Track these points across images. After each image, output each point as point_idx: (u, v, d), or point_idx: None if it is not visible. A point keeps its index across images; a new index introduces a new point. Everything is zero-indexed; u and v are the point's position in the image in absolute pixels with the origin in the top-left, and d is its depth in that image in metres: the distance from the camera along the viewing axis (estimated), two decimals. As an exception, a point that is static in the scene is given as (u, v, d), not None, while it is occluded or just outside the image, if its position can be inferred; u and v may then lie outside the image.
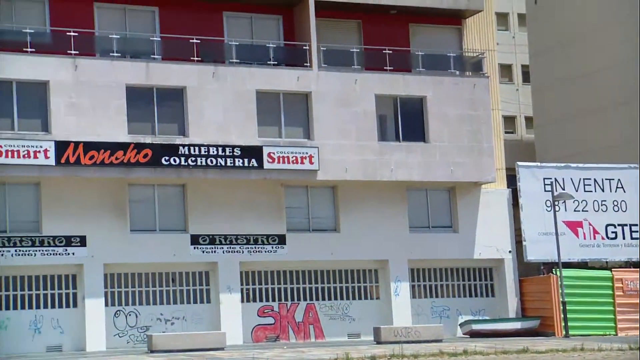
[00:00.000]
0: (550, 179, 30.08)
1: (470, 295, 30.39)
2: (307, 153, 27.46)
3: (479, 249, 29.93)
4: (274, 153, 27.29)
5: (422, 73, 30.37)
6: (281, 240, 28.18)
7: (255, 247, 27.97)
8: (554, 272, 29.76)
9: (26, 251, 25.23)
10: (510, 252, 30.54)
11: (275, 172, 27.68)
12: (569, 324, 29.19)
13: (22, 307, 25.76)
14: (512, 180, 30.93)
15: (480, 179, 29.09)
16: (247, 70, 27.88)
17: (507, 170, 31.11)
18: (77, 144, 24.97)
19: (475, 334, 28.32)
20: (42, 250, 25.45)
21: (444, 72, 30.81)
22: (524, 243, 29.92)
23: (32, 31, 25.97)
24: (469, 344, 22.87)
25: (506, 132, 41.66)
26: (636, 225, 31.54)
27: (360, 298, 29.50)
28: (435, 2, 30.69)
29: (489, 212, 30.15)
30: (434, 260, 30.35)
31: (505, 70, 46.67)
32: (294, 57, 29.48)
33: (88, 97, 25.55)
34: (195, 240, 27.28)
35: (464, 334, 28.86)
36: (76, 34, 25.95)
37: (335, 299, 29.26)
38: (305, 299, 28.90)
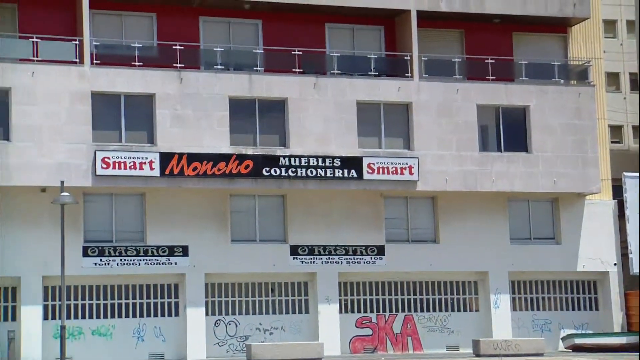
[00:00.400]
0: (658, 189, 29.25)
1: (573, 309, 29.35)
2: (407, 164, 26.87)
3: (582, 261, 28.94)
4: (373, 164, 26.81)
5: (525, 82, 29.38)
6: (380, 251, 27.65)
7: (354, 258, 27.49)
8: None
9: (131, 260, 25.40)
10: (615, 264, 29.43)
11: (374, 182, 27.19)
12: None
13: (127, 316, 25.91)
14: (617, 191, 29.77)
15: (585, 189, 28.11)
16: (348, 81, 27.44)
17: (612, 181, 29.99)
18: (181, 155, 24.95)
19: (578, 348, 27.33)
20: (146, 260, 25.56)
21: (548, 81, 29.80)
22: (630, 255, 28.82)
23: (140, 45, 26.06)
24: (572, 359, 22.49)
25: (612, 142, 40.02)
26: None
27: (459, 310, 28.78)
28: (540, 10, 29.77)
29: (593, 224, 29.06)
30: (536, 273, 29.46)
31: (613, 78, 44.70)
32: (395, 68, 28.98)
33: (192, 109, 25.57)
34: (294, 250, 27.02)
35: (566, 347, 27.87)
36: (182, 47, 26.01)
37: (434, 310, 28.61)
38: (403, 311, 28.26)
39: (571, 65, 29.96)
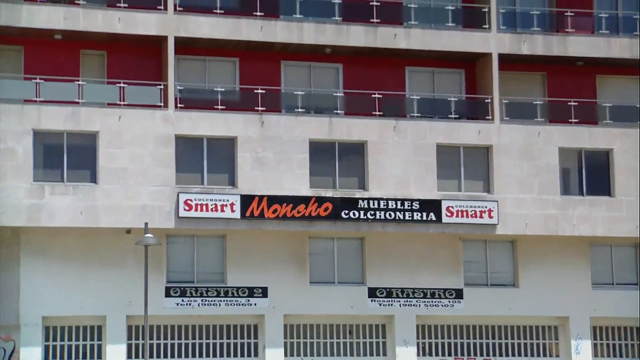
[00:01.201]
0: None
1: (655, 355, 27.77)
2: (486, 207, 25.68)
3: (665, 307, 27.15)
4: (452, 207, 25.70)
5: (609, 125, 27.89)
6: (458, 294, 26.42)
7: (432, 301, 26.34)
8: None
9: (211, 301, 24.78)
10: (696, 315, 27.25)
11: (453, 226, 26.02)
12: None
13: (207, 355, 25.27)
14: (703, 236, 27.68)
15: (669, 235, 26.59)
16: (427, 124, 26.44)
17: (697, 226, 28.26)
18: (261, 197, 24.31)
19: (658, 396, 25.07)
20: (226, 301, 24.91)
21: (631, 124, 28.05)
22: None
23: (223, 90, 25.66)
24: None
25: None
26: None
27: (538, 355, 27.27)
28: (624, 53, 28.44)
29: (676, 270, 27.84)
30: (619, 319, 27.51)
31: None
32: (475, 110, 28.09)
33: (273, 151, 24.92)
34: (372, 293, 25.98)
35: (648, 395, 25.71)
36: (263, 91, 25.38)
37: (513, 355, 27.10)
38: (482, 354, 26.84)
39: (656, 107, 28.02)
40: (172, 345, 25.45)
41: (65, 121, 24.14)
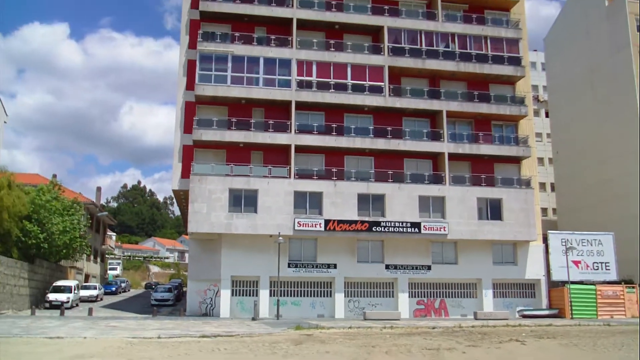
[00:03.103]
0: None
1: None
2: (442, 226, 34.22)
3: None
4: (427, 225, 34.20)
5: (500, 187, 36.18)
6: (428, 267, 34.96)
7: (415, 271, 34.94)
8: (566, 286, 35.07)
9: (310, 270, 33.69)
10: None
11: (427, 235, 34.18)
12: (573, 311, 34.58)
13: (308, 295, 33.45)
14: None
15: None
16: (414, 186, 35.07)
17: None
18: (334, 220, 33.20)
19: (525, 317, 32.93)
20: (317, 270, 33.66)
21: (511, 187, 36.45)
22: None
23: (317, 169, 34.04)
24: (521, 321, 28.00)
25: None
26: (609, 263, 37.32)
27: (467, 297, 35.53)
28: (511, 152, 37.13)
29: None
30: (505, 279, 36.15)
31: None
32: (437, 179, 35.93)
33: (340, 199, 33.61)
34: (387, 267, 34.67)
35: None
36: (336, 170, 34.35)
37: (455, 297, 35.35)
38: (440, 297, 35.27)
39: None
40: (289, 291, 33.87)
41: (243, 184, 33.46)
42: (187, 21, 36.97)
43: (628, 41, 46.25)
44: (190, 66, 35.81)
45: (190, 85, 35.40)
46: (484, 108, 37.55)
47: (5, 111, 50.83)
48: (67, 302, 34.86)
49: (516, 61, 38.73)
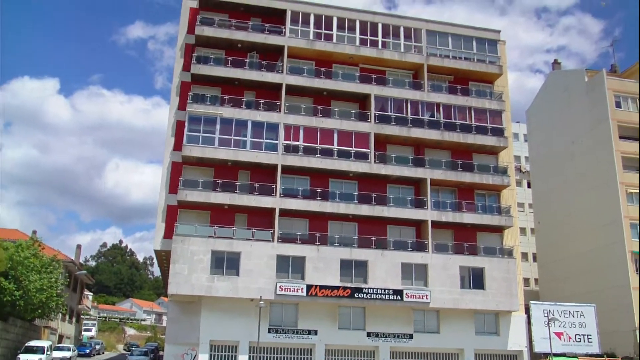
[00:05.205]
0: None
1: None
2: (424, 293, 34.04)
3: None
4: (409, 293, 33.97)
5: (482, 256, 36.46)
6: (410, 336, 34.56)
7: (397, 340, 34.63)
8: (549, 358, 34.83)
9: (290, 336, 33.19)
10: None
11: (409, 302, 33.90)
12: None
13: None
14: None
15: None
16: (397, 253, 35.05)
17: None
18: (316, 286, 33.14)
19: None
20: (297, 336, 33.25)
21: (493, 256, 36.61)
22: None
23: (300, 234, 34.17)
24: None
25: None
26: (590, 335, 37.41)
27: None
28: (493, 221, 37.56)
29: None
30: (487, 350, 35.71)
31: None
32: (420, 247, 35.98)
33: (323, 263, 33.62)
34: (369, 334, 34.23)
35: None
36: (319, 234, 34.47)
37: None
38: None
39: None
40: (269, 357, 33.38)
41: (226, 247, 33.41)
42: (178, 83, 37.63)
43: (607, 115, 47.63)
44: (178, 127, 36.33)
45: (177, 146, 35.83)
46: (467, 177, 38.06)
47: (-11, 165, 50.86)
48: (39, 363, 33.27)
49: (499, 132, 39.49)
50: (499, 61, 41.82)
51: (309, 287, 33.78)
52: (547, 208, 53.67)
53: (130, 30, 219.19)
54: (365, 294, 34.29)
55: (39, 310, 38.09)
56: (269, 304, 33.64)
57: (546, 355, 35.87)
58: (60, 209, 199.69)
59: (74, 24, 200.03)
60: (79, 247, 64.09)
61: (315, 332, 34.40)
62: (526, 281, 55.25)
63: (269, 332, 33.65)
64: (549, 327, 34.86)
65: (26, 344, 36.05)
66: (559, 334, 36.81)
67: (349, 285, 34.30)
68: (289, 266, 34.49)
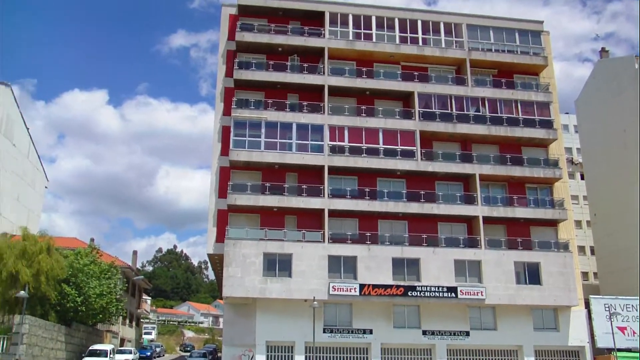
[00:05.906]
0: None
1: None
2: (479, 290, 33.58)
3: None
4: (463, 290, 33.47)
5: (537, 251, 35.44)
6: (467, 334, 33.97)
7: (453, 337, 34.01)
8: (613, 354, 34.00)
9: (345, 335, 32.99)
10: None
11: (463, 299, 33.27)
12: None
13: None
14: None
15: None
16: (449, 250, 34.46)
17: None
18: (369, 285, 32.58)
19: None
20: (352, 335, 32.99)
21: (548, 250, 35.62)
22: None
23: (351, 233, 33.90)
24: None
25: None
26: None
27: None
28: (547, 215, 36.76)
29: None
30: (548, 346, 34.50)
31: None
32: (473, 243, 35.24)
33: (374, 263, 33.08)
34: (424, 332, 33.69)
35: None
36: (369, 234, 33.91)
37: None
38: None
39: None
40: (325, 357, 33.31)
41: (277, 249, 33.39)
42: (222, 89, 37.89)
43: (660, 101, 44.77)
44: (224, 132, 36.57)
45: (224, 151, 36.04)
46: (517, 171, 37.35)
47: (46, 176, 52.55)
48: (103, 367, 33.92)
49: (548, 124, 38.65)
50: (544, 52, 40.93)
51: (361, 286, 33.47)
52: (603, 199, 51.81)
53: (172, 39, 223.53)
54: (418, 292, 33.96)
55: (100, 315, 38.68)
56: (323, 304, 33.48)
57: (610, 350, 34.75)
58: (114, 217, 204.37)
59: (117, 36, 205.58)
60: (135, 253, 65.21)
61: (371, 331, 34.03)
62: (585, 275, 53.63)
63: (324, 332, 33.50)
64: (611, 321, 33.87)
65: (90, 348, 36.55)
66: (622, 329, 35.66)
67: (401, 283, 33.89)
68: (341, 266, 34.23)
